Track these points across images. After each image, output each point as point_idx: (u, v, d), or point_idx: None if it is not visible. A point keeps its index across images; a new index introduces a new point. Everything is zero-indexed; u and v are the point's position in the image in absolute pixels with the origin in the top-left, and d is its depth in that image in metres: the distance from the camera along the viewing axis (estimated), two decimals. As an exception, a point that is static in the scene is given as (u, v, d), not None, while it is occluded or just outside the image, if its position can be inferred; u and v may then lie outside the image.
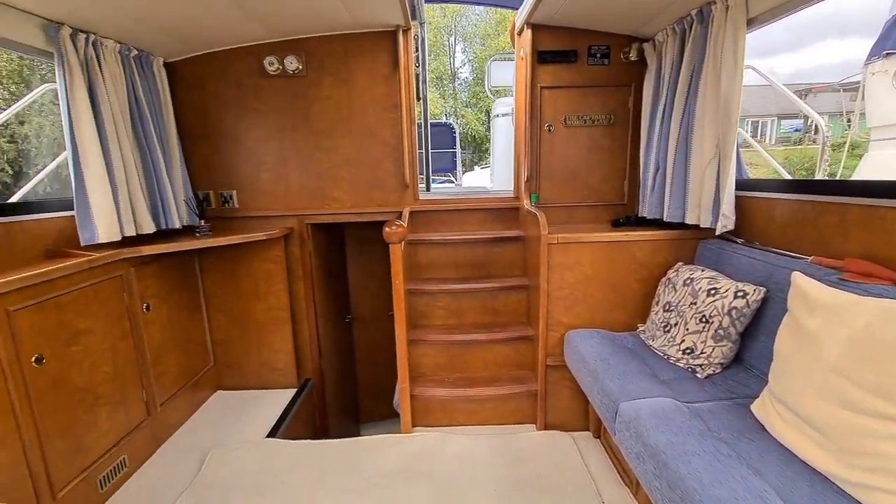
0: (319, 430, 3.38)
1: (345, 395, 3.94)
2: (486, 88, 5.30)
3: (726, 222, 2.07)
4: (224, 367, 3.10)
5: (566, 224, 2.82)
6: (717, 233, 2.11)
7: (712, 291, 1.88)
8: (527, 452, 2.31)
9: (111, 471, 2.10)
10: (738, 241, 2.15)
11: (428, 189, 3.42)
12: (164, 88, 2.64)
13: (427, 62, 3.91)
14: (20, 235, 2.00)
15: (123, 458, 2.18)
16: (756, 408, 1.53)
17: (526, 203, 2.78)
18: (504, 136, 4.68)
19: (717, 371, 1.86)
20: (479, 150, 23.32)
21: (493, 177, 4.95)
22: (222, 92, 2.83)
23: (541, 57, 2.70)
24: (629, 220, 2.67)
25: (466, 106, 24.64)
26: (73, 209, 2.14)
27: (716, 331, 1.84)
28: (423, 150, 3.34)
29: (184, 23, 2.35)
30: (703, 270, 2.07)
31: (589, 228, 2.59)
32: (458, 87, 24.81)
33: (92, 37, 2.13)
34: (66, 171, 2.44)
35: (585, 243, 2.34)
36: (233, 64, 2.79)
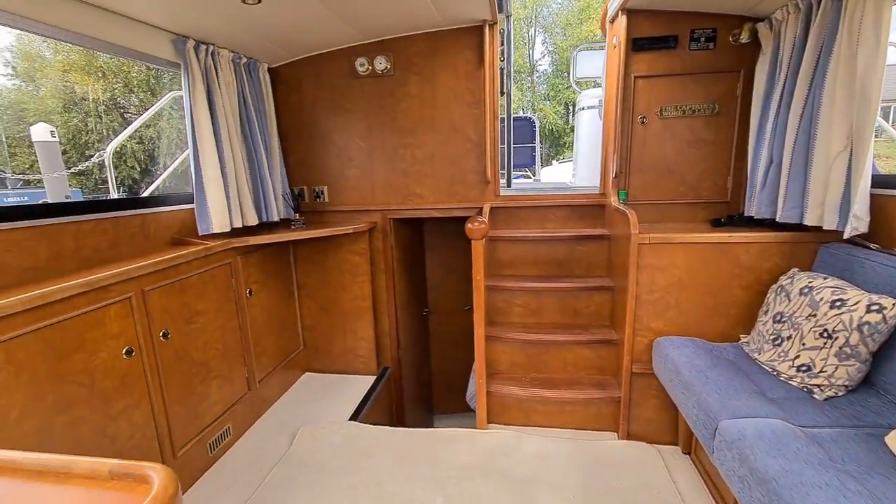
0: (396, 418, 3.51)
1: (420, 386, 4.05)
2: (571, 80, 5.10)
3: (858, 224, 1.80)
4: (312, 351, 3.33)
5: (657, 223, 2.63)
6: (846, 236, 1.84)
7: (837, 303, 1.65)
8: (607, 462, 2.21)
9: (219, 437, 2.35)
10: (872, 246, 1.86)
11: (509, 185, 3.37)
12: (268, 92, 2.87)
13: (512, 56, 3.85)
14: (153, 225, 2.29)
15: (228, 427, 2.43)
16: (892, 440, 1.32)
17: (613, 200, 2.64)
18: (589, 130, 4.48)
19: (841, 394, 1.63)
20: (556, 145, 22.63)
21: (575, 172, 4.76)
22: (317, 93, 3.01)
23: (636, 44, 2.53)
24: (732, 219, 2.43)
25: (544, 99, 24.01)
26: (191, 203, 2.41)
27: (840, 348, 1.61)
28: (505, 146, 3.30)
29: (287, 30, 2.53)
30: (825, 279, 1.82)
31: (684, 228, 2.40)
32: (536, 79, 24.22)
33: (211, 48, 2.38)
34: (181, 167, 2.75)
35: (681, 244, 2.17)
36: (327, 66, 2.96)
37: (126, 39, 2.07)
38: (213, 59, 2.40)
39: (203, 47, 2.33)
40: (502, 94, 3.12)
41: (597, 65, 4.38)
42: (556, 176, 8.52)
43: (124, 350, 1.80)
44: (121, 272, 1.77)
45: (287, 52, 2.89)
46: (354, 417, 2.74)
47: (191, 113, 2.31)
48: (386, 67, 2.88)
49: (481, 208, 2.98)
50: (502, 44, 3.00)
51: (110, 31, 1.99)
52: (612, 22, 2.70)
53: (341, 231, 2.86)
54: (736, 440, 1.41)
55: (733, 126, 2.58)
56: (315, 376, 3.30)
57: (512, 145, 3.55)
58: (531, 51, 23.83)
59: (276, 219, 2.88)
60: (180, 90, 2.39)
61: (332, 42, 2.86)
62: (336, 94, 2.99)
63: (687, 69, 2.56)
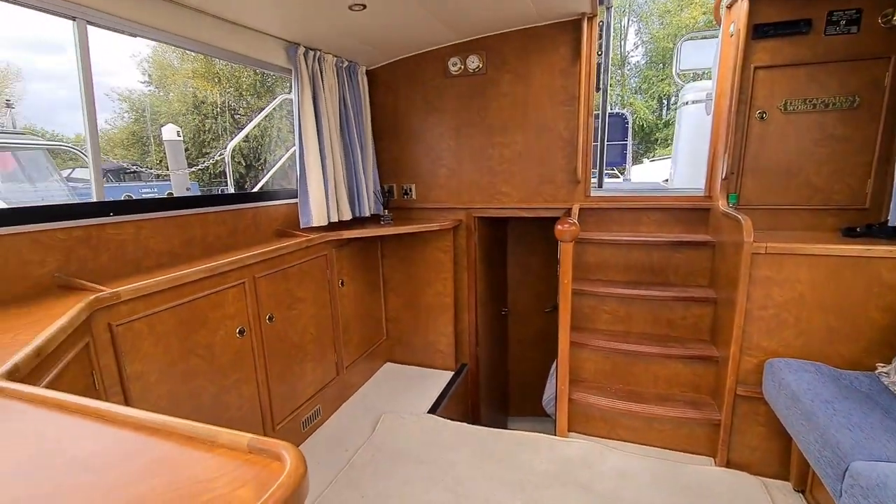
0: (471, 415, 3.53)
1: (496, 386, 4.04)
2: (673, 72, 4.73)
3: None
4: (395, 342, 3.46)
5: (773, 230, 2.35)
6: None
7: None
8: (702, 490, 2.03)
9: (310, 416, 2.54)
10: None
11: (600, 185, 3.22)
12: (365, 94, 3.02)
13: (610, 50, 3.65)
14: (262, 217, 2.52)
15: (318, 408, 2.61)
16: None
17: (721, 204, 2.40)
18: (692, 127, 4.11)
19: None
20: (647, 142, 21.21)
21: (673, 172, 4.39)
22: (410, 94, 3.11)
23: (758, 31, 2.27)
24: (871, 228, 2.10)
25: (635, 92, 22.58)
26: (294, 198, 2.61)
27: None
28: (598, 144, 3.16)
29: (386, 33, 2.64)
30: None
31: (808, 237, 2.12)
32: (627, 72, 22.85)
33: (318, 53, 2.55)
34: (287, 163, 2.97)
35: (804, 255, 1.92)
36: (421, 67, 3.04)
37: (247, 48, 2.29)
38: (319, 64, 2.57)
39: (311, 53, 2.51)
40: (598, 89, 2.98)
41: (705, 55, 4.00)
42: (648, 175, 7.98)
43: (238, 329, 2.01)
44: (237, 260, 1.97)
45: (384, 55, 3.01)
46: (433, 410, 2.80)
47: (298, 115, 2.50)
48: (478, 66, 2.89)
49: (569, 209, 2.88)
50: (600, 37, 2.86)
51: (234, 42, 2.21)
52: (729, 7, 2.45)
53: (428, 228, 2.93)
54: (874, 487, 1.22)
55: (878, 121, 2.22)
56: (396, 367, 3.43)
57: (605, 143, 3.38)
58: (623, 42, 22.50)
59: (367, 214, 3.02)
60: (289, 93, 2.59)
61: (428, 43, 2.92)
62: (429, 94, 3.06)
63: (820, 57, 2.24)
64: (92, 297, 1.41)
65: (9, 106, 7.49)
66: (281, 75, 2.63)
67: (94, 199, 1.77)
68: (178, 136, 8.51)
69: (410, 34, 2.73)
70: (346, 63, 2.80)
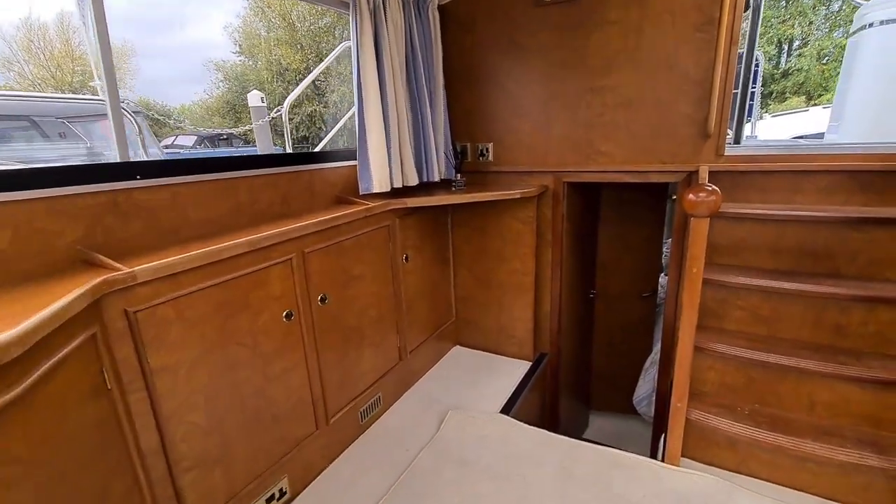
0: (549, 411, 3.11)
1: (578, 378, 3.55)
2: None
3: None
4: (464, 324, 3.10)
5: None
6: None
7: None
8: (888, 568, 1.45)
9: (369, 406, 2.27)
10: None
11: (737, 141, 2.49)
12: (437, 34, 2.53)
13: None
14: (318, 182, 2.21)
15: (379, 396, 2.34)
16: None
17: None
18: (876, 59, 3.03)
19: None
20: (761, 95, 18.23)
21: (839, 122, 3.36)
22: (491, 30, 2.56)
23: None
24: None
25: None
26: (355, 159, 2.26)
27: None
28: (740, 86, 2.40)
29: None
30: None
31: None
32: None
33: (379, -19, 2.10)
34: (350, 123, 2.61)
35: None
36: (504, -3, 2.47)
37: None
38: (380, -5, 2.12)
39: (371, -19, 2.07)
40: (747, 7, 2.22)
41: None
42: (771, 133, 6.64)
43: (284, 313, 1.73)
44: (282, 232, 1.67)
45: (459, -17, 2.49)
46: (507, 408, 2.42)
47: (357, 59, 2.10)
48: (578, -13, 2.26)
49: (693, 172, 2.23)
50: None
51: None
52: None
53: (507, 196, 2.45)
54: None
55: None
56: (465, 351, 3.08)
57: (751, 85, 2.55)
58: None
59: (436, 178, 2.60)
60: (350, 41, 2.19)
61: (513, -38, 2.34)
62: (514, 29, 2.50)
63: None
64: (99, 279, 1.16)
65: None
66: (340, 11, 2.23)
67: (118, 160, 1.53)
68: (262, 101, 8.62)
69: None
70: (413, -5, 2.33)
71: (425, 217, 2.64)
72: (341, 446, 2.10)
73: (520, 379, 2.70)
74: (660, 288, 3.57)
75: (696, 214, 1.58)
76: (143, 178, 1.50)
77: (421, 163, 2.53)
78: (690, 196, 1.56)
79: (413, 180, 2.45)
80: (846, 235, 1.89)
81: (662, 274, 3.87)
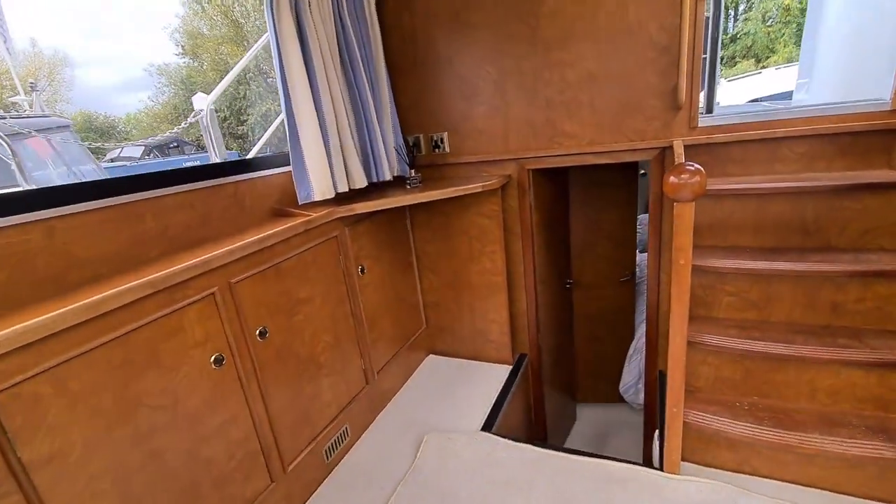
0: (535, 414, 2.93)
1: (561, 372, 3.38)
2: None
3: None
4: (436, 331, 2.86)
5: None
6: None
7: None
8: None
9: (335, 441, 2.02)
10: None
11: (709, 111, 2.31)
12: (372, 14, 2.24)
13: None
14: (248, 195, 1.90)
15: (346, 428, 2.09)
16: None
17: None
18: (842, 14, 2.85)
19: None
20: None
21: (808, 81, 3.22)
22: (432, 6, 2.29)
23: None
24: None
25: None
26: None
27: None
28: (708, 51, 2.22)
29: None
30: None
31: None
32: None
33: (293, -48, 1.79)
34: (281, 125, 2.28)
35: None
36: (443, -34, 2.20)
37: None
38: (297, -31, 1.81)
39: (283, -47, 1.76)
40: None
41: None
42: (732, 98, 6.60)
43: (212, 359, 1.45)
44: (196, 264, 1.37)
45: (391, -46, 2.19)
46: (490, 420, 2.21)
47: (277, 46, 1.79)
48: (524, -50, 2.01)
49: (666, 147, 2.04)
50: None
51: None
52: None
53: (467, 191, 2.20)
54: None
55: None
56: (440, 361, 2.85)
57: (719, 49, 2.33)
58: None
59: (388, 177, 2.33)
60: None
61: (449, -75, 2.07)
62: (457, 4, 2.23)
63: None
64: None
65: (33, 89, 7.27)
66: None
67: (-39, 196, 1.20)
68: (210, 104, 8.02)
69: None
70: (338, -31, 2.02)
71: (380, 221, 2.37)
72: (305, 494, 1.85)
73: (501, 386, 2.49)
74: (637, 270, 3.43)
75: (679, 199, 1.37)
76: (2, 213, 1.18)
77: (369, 161, 2.25)
78: (672, 179, 1.35)
79: (361, 182, 2.18)
80: (835, 204, 1.74)
81: (639, 251, 3.73)
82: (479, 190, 2.22)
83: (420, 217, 2.63)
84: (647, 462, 2.11)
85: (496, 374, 2.61)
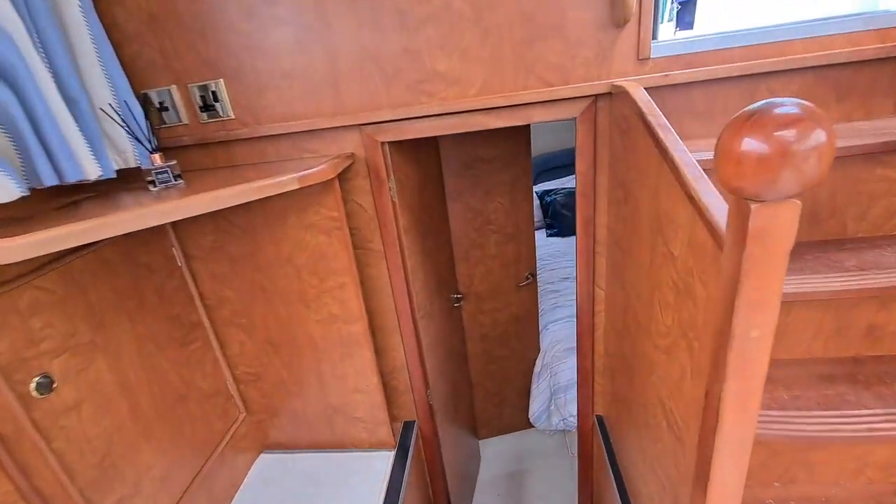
0: (434, 492, 2.07)
1: (461, 417, 2.56)
2: None
3: None
4: (266, 417, 1.77)
5: None
6: None
7: None
8: None
9: None
10: None
11: (654, 36, 1.55)
12: None
13: None
14: None
15: None
16: None
17: None
18: None
19: None
20: None
21: None
22: None
23: None
24: None
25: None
26: None
27: None
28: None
29: None
30: None
31: None
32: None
33: None
34: None
35: None
36: None
37: None
38: None
39: None
40: None
41: None
42: (704, 27, 6.07)
43: None
44: None
45: None
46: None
47: None
48: None
49: (602, 95, 1.25)
50: None
51: None
52: None
53: (271, 188, 1.12)
54: None
55: None
56: (280, 459, 1.77)
57: None
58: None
59: (91, 175, 1.12)
60: None
61: None
62: None
63: None
64: None
65: None
66: None
67: None
68: None
69: None
70: None
71: (108, 261, 1.16)
72: None
73: (384, 486, 1.55)
74: (538, 271, 2.75)
75: (776, 191, 0.52)
76: None
77: (29, 146, 1.01)
78: (754, 145, 0.49)
79: (18, 190, 0.94)
80: (853, 175, 1.14)
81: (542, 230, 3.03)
82: (295, 186, 1.16)
83: (202, 242, 1.47)
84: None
85: (373, 467, 1.66)
